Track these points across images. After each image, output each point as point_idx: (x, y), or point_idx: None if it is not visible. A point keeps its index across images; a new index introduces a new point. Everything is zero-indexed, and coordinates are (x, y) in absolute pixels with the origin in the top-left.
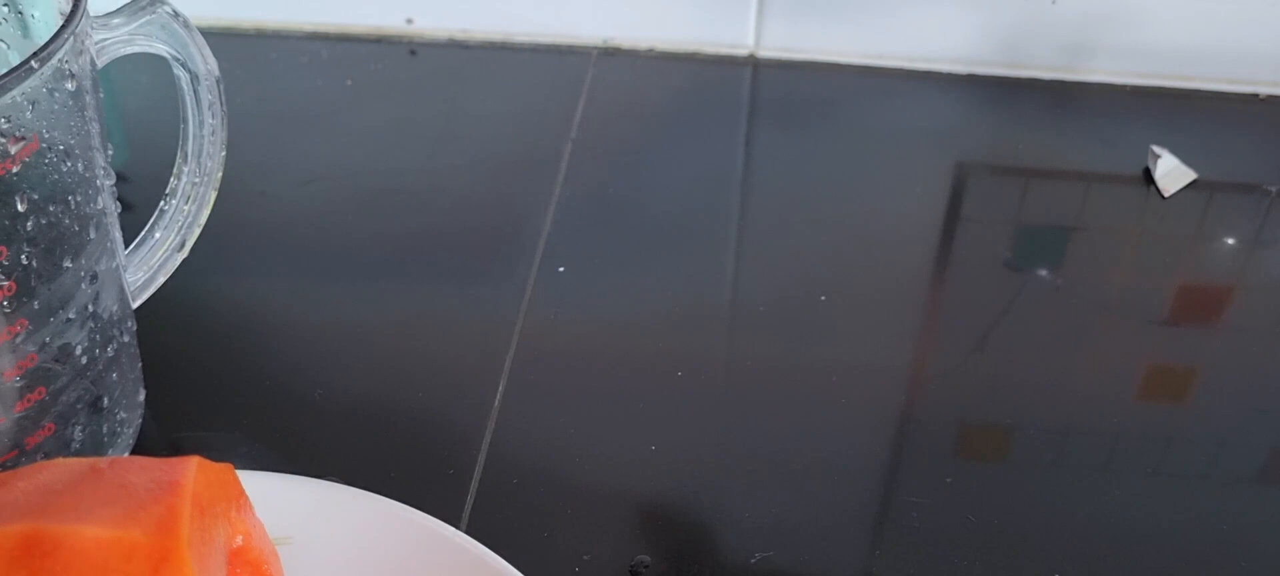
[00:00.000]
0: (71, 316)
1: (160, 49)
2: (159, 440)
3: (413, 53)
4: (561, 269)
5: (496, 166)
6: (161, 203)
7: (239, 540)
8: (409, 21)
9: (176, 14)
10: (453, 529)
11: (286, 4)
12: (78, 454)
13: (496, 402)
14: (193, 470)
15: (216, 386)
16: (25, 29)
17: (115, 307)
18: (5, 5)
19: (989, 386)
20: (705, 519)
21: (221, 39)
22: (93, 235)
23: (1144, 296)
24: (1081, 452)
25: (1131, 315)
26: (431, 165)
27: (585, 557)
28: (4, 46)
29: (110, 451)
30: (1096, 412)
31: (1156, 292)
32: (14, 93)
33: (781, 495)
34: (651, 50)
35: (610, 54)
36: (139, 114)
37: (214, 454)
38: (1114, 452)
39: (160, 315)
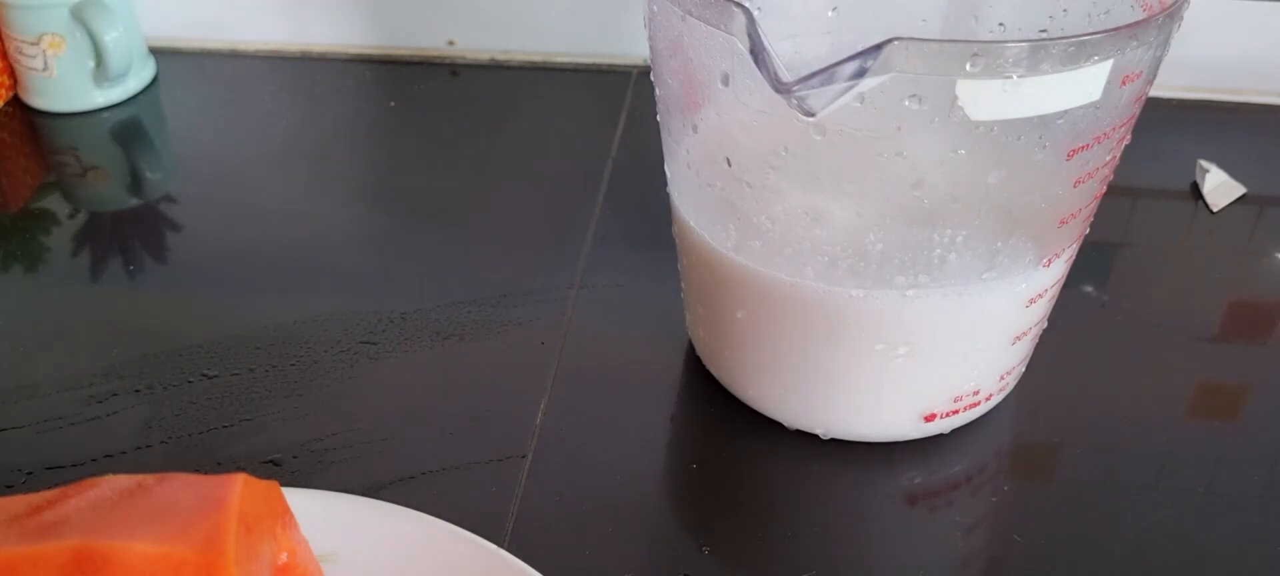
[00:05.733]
0: None
1: None
2: (199, 452)
3: (454, 74)
4: (602, 286)
5: (537, 185)
6: None
7: (284, 557)
8: (451, 43)
9: None
10: (495, 546)
11: (331, 28)
12: None
13: (539, 419)
14: (239, 487)
15: (250, 407)
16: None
17: None
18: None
19: (1035, 404)
20: (751, 525)
21: (269, 62)
22: None
23: (1193, 313)
24: (1130, 471)
25: (1180, 332)
26: (473, 184)
27: (628, 575)
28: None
29: None
30: (1145, 431)
31: (1206, 309)
32: None
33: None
34: None
35: (650, 73)
36: (185, 137)
37: (258, 470)
38: (1163, 471)
39: (191, 329)
